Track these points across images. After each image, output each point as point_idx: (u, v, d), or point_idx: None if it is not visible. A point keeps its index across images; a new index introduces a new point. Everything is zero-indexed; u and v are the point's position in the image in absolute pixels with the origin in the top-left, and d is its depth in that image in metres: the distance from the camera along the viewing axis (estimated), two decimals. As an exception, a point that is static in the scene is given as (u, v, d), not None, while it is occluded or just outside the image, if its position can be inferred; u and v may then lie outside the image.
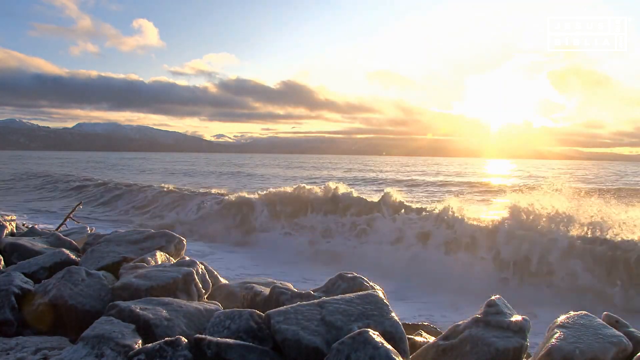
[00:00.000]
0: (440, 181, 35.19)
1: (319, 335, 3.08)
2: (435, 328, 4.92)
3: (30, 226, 8.46)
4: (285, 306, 3.43)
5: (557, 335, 3.23)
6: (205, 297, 4.54)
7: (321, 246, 14.47)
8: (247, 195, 18.80)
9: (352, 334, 2.86)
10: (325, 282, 4.54)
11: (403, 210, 15.03)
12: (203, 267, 4.79)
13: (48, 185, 32.65)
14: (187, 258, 5.42)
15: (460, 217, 13.13)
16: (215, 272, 5.46)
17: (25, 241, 5.96)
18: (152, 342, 3.04)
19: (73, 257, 5.18)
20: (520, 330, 3.26)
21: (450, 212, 13.36)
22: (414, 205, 16.12)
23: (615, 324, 3.50)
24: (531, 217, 11.77)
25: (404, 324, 3.68)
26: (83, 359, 2.97)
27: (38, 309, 3.94)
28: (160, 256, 5.16)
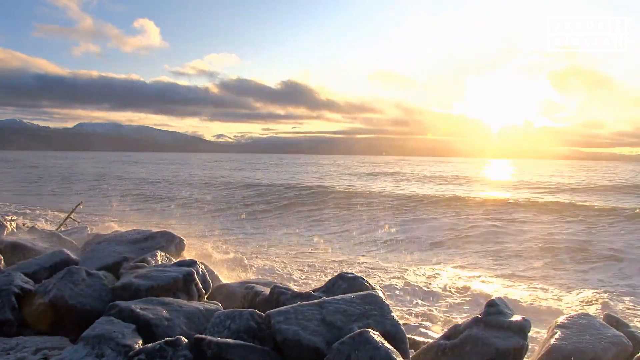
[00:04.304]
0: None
1: (319, 335, 3.08)
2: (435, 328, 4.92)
3: (30, 226, 8.47)
4: (285, 306, 3.43)
5: (557, 335, 3.23)
6: (206, 297, 4.54)
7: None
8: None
9: (352, 334, 2.86)
10: (325, 282, 4.54)
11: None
12: (203, 267, 4.79)
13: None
14: (188, 258, 5.42)
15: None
16: (216, 272, 5.46)
17: (25, 241, 5.96)
18: (152, 342, 3.04)
19: (73, 257, 5.18)
20: (520, 330, 3.26)
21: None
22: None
23: (616, 323, 3.50)
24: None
25: (404, 324, 3.68)
26: (83, 359, 2.97)
27: (38, 309, 3.94)
28: (161, 256, 5.16)
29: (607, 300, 7.45)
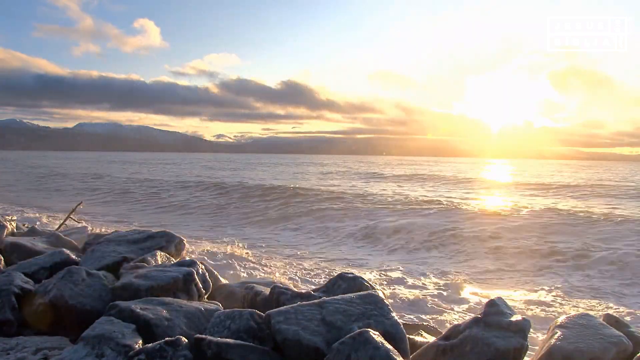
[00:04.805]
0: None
1: (319, 335, 3.08)
2: (435, 328, 4.93)
3: (30, 226, 8.47)
4: (285, 306, 3.43)
5: (557, 335, 3.23)
6: (206, 297, 4.54)
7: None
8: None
9: (352, 334, 2.86)
10: (325, 282, 4.54)
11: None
12: (203, 267, 4.79)
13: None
14: (188, 258, 5.42)
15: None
16: (216, 272, 5.46)
17: (25, 241, 5.96)
18: (152, 342, 3.04)
19: (73, 257, 5.18)
20: (520, 330, 3.26)
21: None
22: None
23: (615, 324, 3.50)
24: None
25: (404, 324, 3.68)
26: (83, 359, 2.97)
27: (38, 309, 3.94)
28: (161, 256, 5.16)
29: (606, 300, 7.47)
